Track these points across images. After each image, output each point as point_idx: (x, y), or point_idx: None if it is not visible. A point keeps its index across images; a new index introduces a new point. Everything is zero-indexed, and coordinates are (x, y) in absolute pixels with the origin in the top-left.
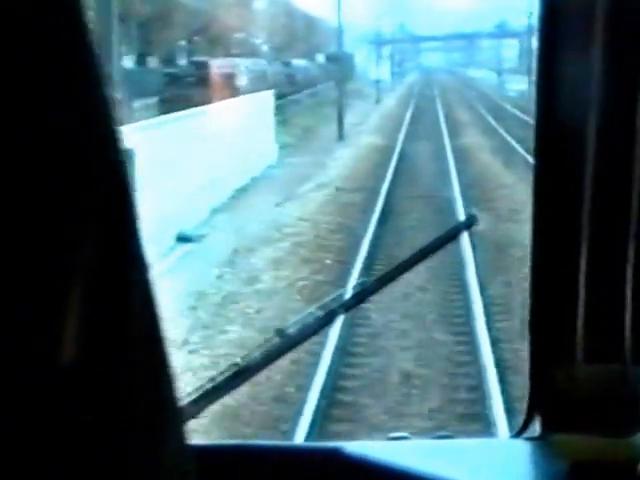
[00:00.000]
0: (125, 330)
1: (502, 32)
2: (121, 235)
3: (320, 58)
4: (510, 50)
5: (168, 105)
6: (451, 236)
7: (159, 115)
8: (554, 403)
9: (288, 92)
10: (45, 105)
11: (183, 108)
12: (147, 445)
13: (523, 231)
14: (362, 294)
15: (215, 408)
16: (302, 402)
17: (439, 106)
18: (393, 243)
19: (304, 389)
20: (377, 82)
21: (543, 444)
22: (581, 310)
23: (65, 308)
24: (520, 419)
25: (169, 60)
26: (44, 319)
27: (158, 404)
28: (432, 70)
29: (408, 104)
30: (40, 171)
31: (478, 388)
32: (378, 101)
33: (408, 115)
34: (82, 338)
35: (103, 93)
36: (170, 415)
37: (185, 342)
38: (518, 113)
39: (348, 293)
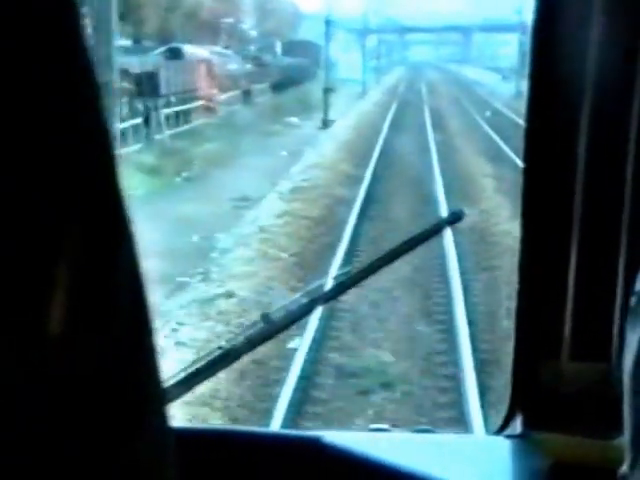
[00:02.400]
0: (110, 310)
1: (499, 26)
2: (108, 214)
3: (277, 48)
4: (506, 47)
5: None
6: (436, 230)
7: None
8: (537, 401)
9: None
10: (31, 95)
11: None
12: (128, 425)
13: None
14: (346, 283)
15: None
16: None
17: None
18: None
19: None
20: (327, 92)
21: (524, 442)
22: (568, 307)
23: (48, 287)
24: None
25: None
26: (27, 296)
27: (141, 385)
28: (421, 66)
29: (375, 137)
30: (22, 155)
31: None
32: (325, 125)
33: (367, 178)
34: (65, 318)
35: (93, 82)
36: (152, 396)
37: None
38: None
39: (332, 282)
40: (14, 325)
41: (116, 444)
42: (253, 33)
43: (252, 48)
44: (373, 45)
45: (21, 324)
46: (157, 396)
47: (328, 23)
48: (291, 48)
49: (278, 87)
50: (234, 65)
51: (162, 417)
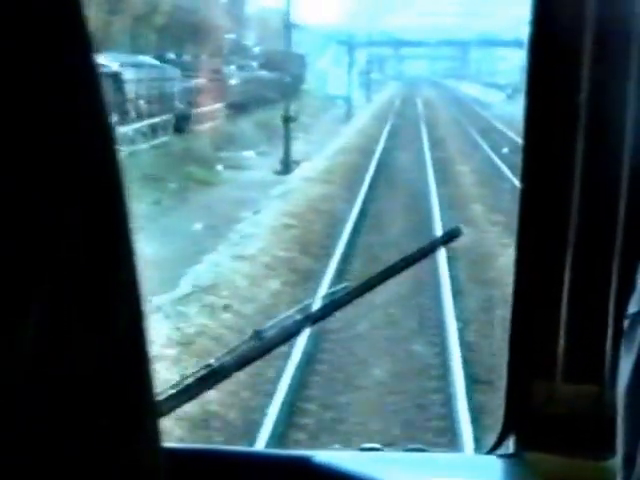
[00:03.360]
0: (107, 322)
1: (497, 41)
2: (108, 214)
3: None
4: (503, 62)
5: None
6: (431, 249)
7: None
8: (529, 421)
9: None
10: (32, 95)
11: None
12: (120, 439)
13: None
14: (341, 300)
15: None
16: None
17: None
18: None
19: None
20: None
21: (516, 462)
22: (562, 329)
23: (47, 287)
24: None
25: None
26: (26, 297)
27: (135, 399)
28: (416, 82)
29: (351, 197)
30: (22, 155)
31: None
32: (285, 168)
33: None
34: (64, 320)
35: (95, 83)
36: (146, 411)
37: None
38: None
39: (324, 300)
40: (13, 325)
41: (114, 446)
42: (232, 41)
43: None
44: (367, 59)
45: (20, 325)
46: (151, 415)
47: (288, 27)
48: (269, 60)
49: (240, 108)
50: (168, 81)
51: (156, 423)
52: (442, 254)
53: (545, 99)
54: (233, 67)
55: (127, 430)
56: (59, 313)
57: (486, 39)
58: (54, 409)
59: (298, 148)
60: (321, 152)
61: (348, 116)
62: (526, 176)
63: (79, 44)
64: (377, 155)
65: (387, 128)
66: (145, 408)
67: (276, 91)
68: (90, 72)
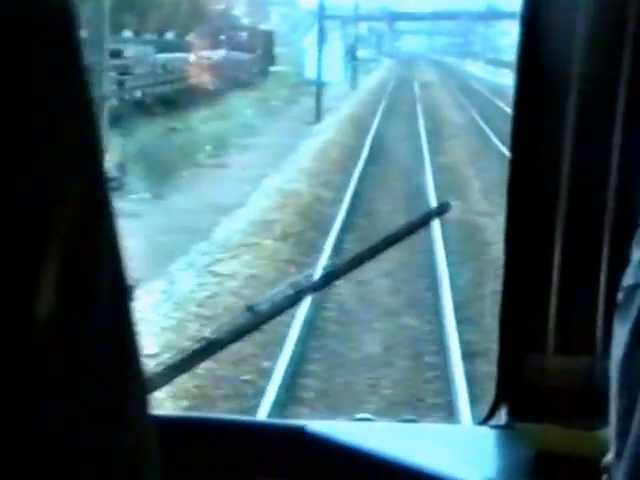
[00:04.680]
0: (92, 301)
1: (503, 13)
2: (91, 206)
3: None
4: (505, 37)
5: None
6: (423, 222)
7: None
8: (522, 392)
9: None
10: (17, 90)
11: None
12: (110, 413)
13: None
14: (332, 274)
15: None
16: None
17: None
18: None
19: None
20: None
21: (508, 433)
22: (554, 300)
23: (32, 279)
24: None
25: None
26: (11, 289)
27: (121, 372)
28: (413, 60)
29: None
30: (6, 146)
31: None
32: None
33: None
34: (48, 309)
35: (81, 79)
36: (134, 384)
37: None
38: None
39: (318, 273)
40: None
41: (99, 431)
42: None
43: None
44: (358, 34)
45: (5, 315)
46: (138, 384)
47: None
48: (230, 38)
49: (160, 105)
50: None
51: (143, 405)
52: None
53: (536, 71)
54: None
55: (114, 416)
56: (43, 303)
57: (491, 11)
58: (36, 397)
59: (206, 197)
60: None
61: (317, 117)
62: (516, 147)
63: (65, 33)
64: (340, 219)
65: (368, 142)
66: (133, 393)
67: (228, 77)
68: (76, 62)
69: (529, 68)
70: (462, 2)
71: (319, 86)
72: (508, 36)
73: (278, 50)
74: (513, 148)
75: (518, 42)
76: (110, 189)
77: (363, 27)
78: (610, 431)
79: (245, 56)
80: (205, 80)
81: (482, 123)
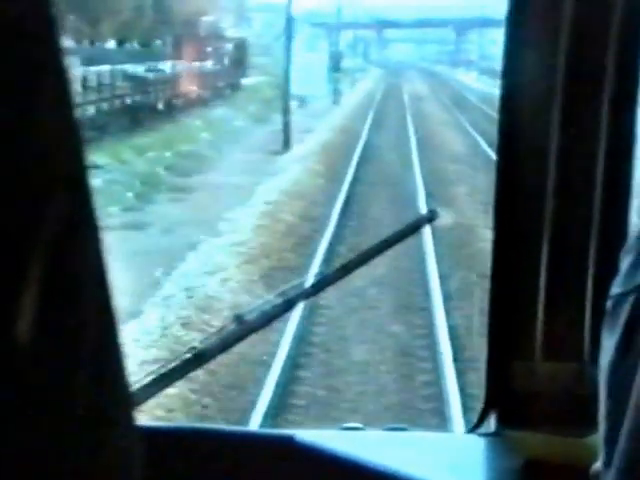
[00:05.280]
0: (76, 310)
1: (491, 20)
2: (75, 215)
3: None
4: (496, 45)
5: None
6: (412, 229)
7: None
8: (510, 399)
9: None
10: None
11: None
12: (94, 426)
13: None
14: (321, 283)
15: None
16: None
17: None
18: None
19: None
20: None
21: (498, 440)
22: (541, 307)
23: (13, 287)
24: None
25: None
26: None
27: (107, 384)
28: (403, 69)
29: None
30: None
31: None
32: None
33: None
34: (31, 318)
35: (63, 79)
36: (119, 397)
37: None
38: None
39: (308, 281)
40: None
41: (83, 445)
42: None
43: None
44: (348, 43)
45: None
46: (124, 397)
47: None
48: (192, 46)
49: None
50: None
51: (129, 418)
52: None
53: (522, 79)
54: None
55: (98, 429)
56: (25, 311)
57: (482, 18)
58: (20, 408)
59: None
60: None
61: (287, 141)
62: (502, 155)
63: (47, 35)
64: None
65: (344, 191)
66: (118, 406)
67: (184, 93)
68: (57, 64)
69: (514, 75)
70: (452, 9)
71: (286, 105)
72: (501, 44)
73: (259, 60)
74: (499, 157)
75: (503, 50)
76: (93, 197)
77: (350, 35)
78: (599, 438)
79: (209, 67)
80: (150, 98)
81: (492, 152)
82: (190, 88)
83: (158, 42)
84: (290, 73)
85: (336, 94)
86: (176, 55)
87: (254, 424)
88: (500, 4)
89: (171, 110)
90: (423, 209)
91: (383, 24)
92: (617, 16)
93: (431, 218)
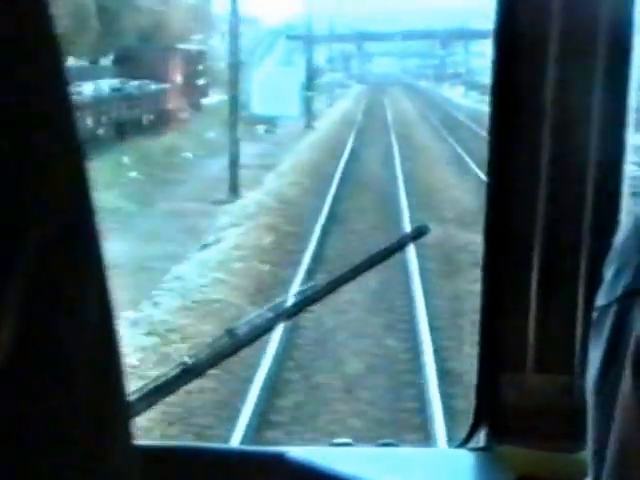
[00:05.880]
0: (76, 320)
1: (477, 32)
2: (76, 220)
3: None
4: (479, 58)
5: None
6: (400, 245)
7: None
8: (500, 413)
9: None
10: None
11: None
12: (92, 443)
13: None
14: (310, 298)
15: None
16: None
17: None
18: None
19: None
20: None
21: (488, 455)
22: (532, 320)
23: (8, 297)
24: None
25: None
26: None
27: (105, 399)
28: (385, 85)
29: None
30: None
31: None
32: None
33: None
34: (26, 332)
35: (63, 84)
36: (117, 413)
37: None
38: None
39: (296, 297)
40: None
41: (80, 462)
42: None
43: None
44: (326, 56)
45: None
46: (122, 413)
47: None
48: (138, 60)
49: None
50: None
51: (127, 434)
52: None
53: (511, 94)
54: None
55: (96, 446)
56: (14, 328)
57: (467, 30)
58: (17, 425)
59: None
60: None
61: (234, 187)
62: (492, 171)
63: (47, 47)
64: None
65: (300, 274)
66: (115, 423)
67: (115, 120)
68: (59, 73)
69: (504, 90)
70: (435, 21)
71: (234, 137)
72: (480, 57)
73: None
74: (489, 171)
75: (492, 65)
76: (94, 203)
77: (330, 49)
78: (588, 453)
79: (153, 87)
80: None
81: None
82: (124, 113)
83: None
84: (237, 96)
85: (310, 116)
86: (120, 72)
87: None
88: (488, 12)
89: (97, 144)
90: (418, 292)
91: (364, 36)
92: (605, 27)
93: (419, 234)
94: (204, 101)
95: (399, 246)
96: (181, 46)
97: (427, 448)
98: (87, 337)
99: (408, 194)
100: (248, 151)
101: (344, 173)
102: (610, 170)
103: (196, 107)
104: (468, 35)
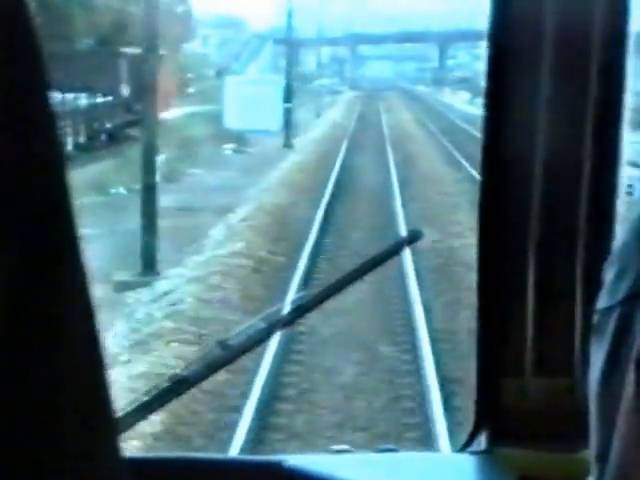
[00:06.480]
0: (61, 333)
1: (476, 33)
2: (55, 234)
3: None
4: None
5: None
6: (394, 251)
7: None
8: (501, 416)
9: None
10: None
11: None
12: (80, 456)
13: None
14: (303, 307)
15: None
16: None
17: None
18: None
19: None
20: None
21: (489, 458)
22: (530, 322)
23: None
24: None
25: None
26: None
27: (93, 413)
28: (381, 91)
29: None
30: None
31: None
32: None
33: None
34: (13, 336)
35: (46, 100)
36: (104, 427)
37: None
38: None
39: (289, 306)
40: None
41: (72, 461)
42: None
43: None
44: (319, 61)
45: None
46: (109, 427)
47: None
48: (72, 68)
49: None
50: None
51: (114, 448)
52: None
53: (505, 95)
54: None
55: (85, 444)
56: (11, 321)
57: (466, 31)
58: (5, 438)
59: None
60: None
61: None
62: (486, 171)
63: (30, 55)
64: None
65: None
66: (103, 436)
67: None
68: (41, 82)
69: (498, 91)
70: (434, 20)
71: (151, 200)
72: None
73: (202, 85)
74: (483, 173)
75: (486, 66)
76: (74, 207)
77: (323, 53)
78: (591, 454)
79: (84, 102)
80: None
81: None
82: None
83: None
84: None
85: (289, 133)
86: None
87: None
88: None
89: None
90: None
91: (357, 39)
92: (599, 29)
93: (413, 239)
94: (165, 115)
95: (393, 251)
96: (129, 51)
97: (428, 453)
98: (72, 355)
99: (420, 278)
100: (204, 182)
101: (323, 228)
102: (606, 171)
103: (149, 124)
104: (470, 36)
